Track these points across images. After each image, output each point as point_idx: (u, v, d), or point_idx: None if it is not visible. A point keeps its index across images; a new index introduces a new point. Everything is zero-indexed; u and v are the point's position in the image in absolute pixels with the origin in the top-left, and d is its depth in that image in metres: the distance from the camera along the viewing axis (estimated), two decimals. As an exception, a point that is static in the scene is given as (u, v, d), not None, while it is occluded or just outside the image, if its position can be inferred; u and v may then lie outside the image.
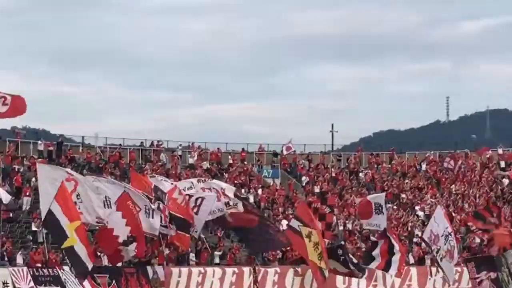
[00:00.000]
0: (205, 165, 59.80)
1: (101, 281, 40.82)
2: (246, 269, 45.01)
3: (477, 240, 53.76)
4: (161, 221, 31.20)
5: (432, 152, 70.13)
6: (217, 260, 46.22)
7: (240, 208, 34.54)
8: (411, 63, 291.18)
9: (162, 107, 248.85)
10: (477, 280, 35.45)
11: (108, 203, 29.44)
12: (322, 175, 63.21)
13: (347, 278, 41.58)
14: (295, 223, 36.20)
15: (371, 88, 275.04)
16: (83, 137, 62.35)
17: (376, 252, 37.33)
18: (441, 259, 35.74)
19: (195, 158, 60.47)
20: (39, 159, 50.76)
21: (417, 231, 54.85)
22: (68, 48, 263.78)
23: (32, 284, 38.11)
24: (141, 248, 30.61)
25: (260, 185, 59.31)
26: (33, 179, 47.01)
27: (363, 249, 47.76)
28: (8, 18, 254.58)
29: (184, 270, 44.52)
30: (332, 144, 75.48)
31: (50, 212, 26.63)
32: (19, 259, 40.06)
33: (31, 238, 43.75)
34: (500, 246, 36.12)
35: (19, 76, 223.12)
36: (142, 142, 61.34)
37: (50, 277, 39.05)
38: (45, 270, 39.40)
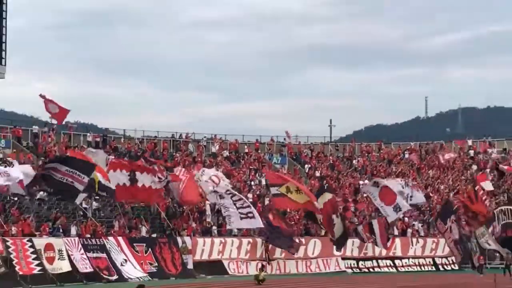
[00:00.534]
0: (225, 153, 59.76)
1: (139, 249, 40.89)
2: (259, 240, 45.07)
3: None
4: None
5: (413, 142, 70.06)
6: (235, 232, 46.13)
7: None
8: (397, 68, 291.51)
9: (190, 105, 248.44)
10: (448, 229, 35.19)
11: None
12: (322, 162, 63.13)
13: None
14: (273, 190, 35.80)
15: (363, 89, 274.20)
16: (124, 130, 62.37)
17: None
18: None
19: (217, 147, 60.38)
20: (88, 148, 50.77)
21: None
22: (113, 56, 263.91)
23: (82, 251, 38.25)
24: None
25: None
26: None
27: (356, 223, 47.62)
28: (65, 31, 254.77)
29: (208, 240, 44.54)
30: (331, 136, 75.16)
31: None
32: (73, 230, 39.99)
33: (81, 213, 43.79)
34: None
35: (69, 79, 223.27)
36: (173, 134, 61.14)
37: (97, 245, 39.23)
38: (93, 240, 39.56)
